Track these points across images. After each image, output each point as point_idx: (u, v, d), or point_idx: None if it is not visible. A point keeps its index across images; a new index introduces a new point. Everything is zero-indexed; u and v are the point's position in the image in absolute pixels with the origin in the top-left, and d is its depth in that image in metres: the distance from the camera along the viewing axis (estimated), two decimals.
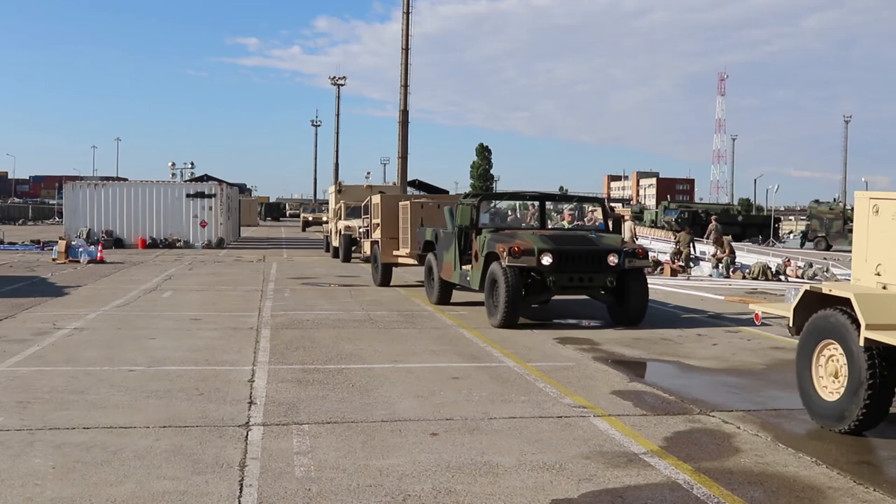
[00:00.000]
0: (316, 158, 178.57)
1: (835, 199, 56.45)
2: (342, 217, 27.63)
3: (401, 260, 18.32)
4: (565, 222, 15.37)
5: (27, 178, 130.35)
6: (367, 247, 20.99)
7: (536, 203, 16.33)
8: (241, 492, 5.21)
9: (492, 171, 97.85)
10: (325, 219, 51.80)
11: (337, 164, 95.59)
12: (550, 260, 12.05)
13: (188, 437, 6.38)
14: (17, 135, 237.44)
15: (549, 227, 15.06)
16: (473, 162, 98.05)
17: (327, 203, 72.87)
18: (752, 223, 54.94)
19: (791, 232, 58.38)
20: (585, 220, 16.71)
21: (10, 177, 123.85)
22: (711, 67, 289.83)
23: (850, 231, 41.95)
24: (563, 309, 14.78)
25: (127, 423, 6.75)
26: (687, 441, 6.51)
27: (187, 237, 34.33)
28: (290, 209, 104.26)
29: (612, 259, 12.30)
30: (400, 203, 18.49)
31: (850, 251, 36.30)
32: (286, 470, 5.63)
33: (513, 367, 9.39)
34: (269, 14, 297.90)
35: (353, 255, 26.22)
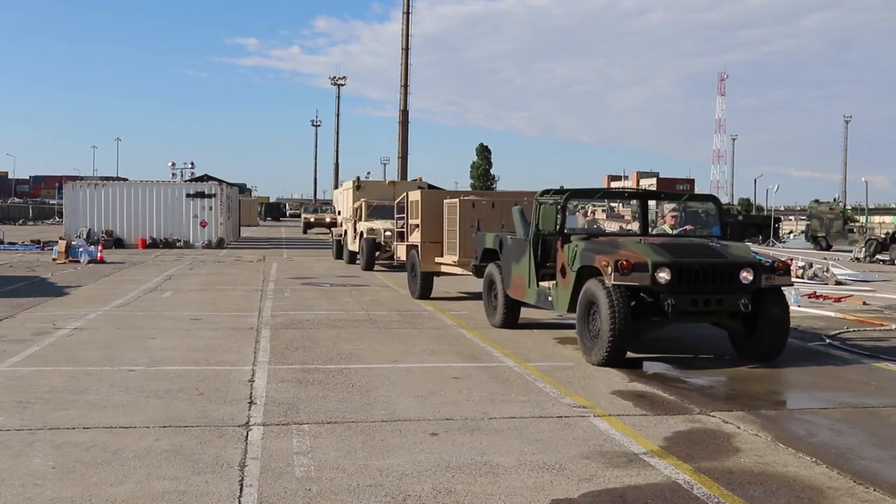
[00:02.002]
0: (316, 158, 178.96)
1: (835, 199, 56.44)
2: (363, 217, 24.20)
3: (444, 269, 15.60)
4: (667, 226, 11.95)
5: (27, 178, 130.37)
6: (400, 251, 17.71)
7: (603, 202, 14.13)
8: (241, 492, 5.21)
9: (492, 171, 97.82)
10: (328, 219, 50.69)
11: (337, 164, 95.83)
12: (668, 277, 9.16)
13: (188, 437, 6.38)
14: (17, 135, 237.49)
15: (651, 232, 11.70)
16: (473, 162, 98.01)
17: (329, 203, 73.01)
18: (753, 223, 54.88)
19: (791, 232, 58.35)
20: (667, 222, 12.68)
21: (10, 177, 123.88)
22: (711, 67, 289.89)
23: (851, 231, 42.03)
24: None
25: (127, 423, 6.75)
26: (687, 441, 6.51)
27: (187, 237, 34.34)
28: (291, 209, 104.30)
29: (746, 275, 9.41)
30: (446, 202, 15.47)
31: (850, 251, 36.28)
32: (286, 470, 5.63)
33: (513, 367, 9.39)
34: (268, 14, 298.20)
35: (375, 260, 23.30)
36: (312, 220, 56.78)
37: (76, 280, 19.33)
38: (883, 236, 34.42)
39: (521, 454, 6.05)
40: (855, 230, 41.96)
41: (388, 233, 22.19)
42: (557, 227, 10.51)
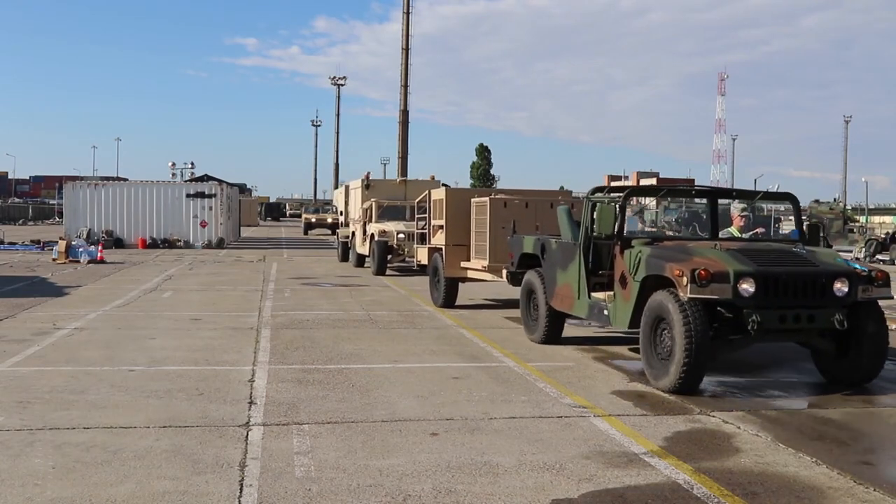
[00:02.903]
0: (316, 158, 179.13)
1: (835, 199, 56.52)
2: (373, 218, 22.82)
3: (471, 274, 14.29)
4: (734, 229, 10.34)
5: (27, 178, 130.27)
6: (421, 255, 16.43)
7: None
8: (241, 492, 5.21)
9: (492, 171, 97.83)
10: (330, 220, 49.67)
11: (337, 164, 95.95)
12: (753, 289, 7.85)
13: (188, 437, 6.38)
14: (17, 135, 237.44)
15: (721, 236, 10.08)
16: (473, 162, 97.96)
17: (330, 203, 72.81)
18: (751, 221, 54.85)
19: (791, 231, 58.32)
20: (734, 224, 10.66)
21: (10, 177, 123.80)
22: (710, 67, 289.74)
23: (851, 231, 42.05)
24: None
25: (127, 423, 6.75)
26: (687, 441, 6.51)
27: (187, 237, 34.35)
28: (291, 209, 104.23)
29: (841, 287, 8.11)
30: (473, 201, 14.12)
31: (850, 251, 36.24)
32: (286, 470, 5.63)
33: (513, 367, 9.39)
34: (267, 14, 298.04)
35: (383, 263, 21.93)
36: (313, 220, 54.30)
37: (76, 280, 19.33)
38: (883, 236, 34.43)
39: (521, 454, 6.05)
40: (855, 230, 41.99)
41: (401, 235, 21.27)
42: (617, 228, 9.10)
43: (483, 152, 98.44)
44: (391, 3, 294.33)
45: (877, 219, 69.42)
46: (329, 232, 48.89)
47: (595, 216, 9.19)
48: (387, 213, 22.76)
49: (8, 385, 8.15)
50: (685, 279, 7.84)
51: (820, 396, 8.26)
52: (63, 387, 8.08)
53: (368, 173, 24.95)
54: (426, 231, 15.84)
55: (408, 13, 46.93)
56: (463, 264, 14.31)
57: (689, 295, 7.81)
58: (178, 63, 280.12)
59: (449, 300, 14.74)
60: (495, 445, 6.27)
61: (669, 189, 10.11)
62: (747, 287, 7.85)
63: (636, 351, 10.45)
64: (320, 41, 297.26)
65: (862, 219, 56.19)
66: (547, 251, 10.82)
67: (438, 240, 15.05)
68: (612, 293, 9.25)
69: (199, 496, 5.12)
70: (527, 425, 6.86)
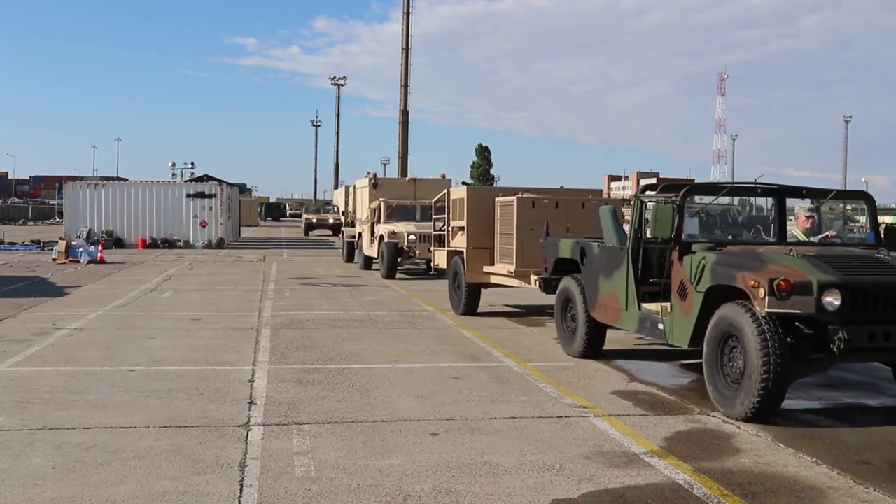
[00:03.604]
0: (316, 158, 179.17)
1: None
2: (382, 219, 21.92)
3: (495, 279, 13.28)
4: (798, 231, 9.14)
5: (27, 178, 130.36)
6: (439, 259, 15.29)
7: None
8: (241, 492, 5.21)
9: (492, 171, 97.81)
10: (331, 220, 48.36)
11: (337, 164, 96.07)
12: (839, 302, 6.83)
13: (188, 437, 6.38)
14: (17, 135, 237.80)
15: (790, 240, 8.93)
16: (473, 162, 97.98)
17: (330, 202, 72.61)
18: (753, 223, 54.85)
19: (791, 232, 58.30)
20: (799, 226, 9.29)
21: (10, 177, 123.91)
22: (709, 67, 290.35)
23: (851, 231, 42.03)
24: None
25: (127, 423, 6.75)
26: (687, 441, 6.51)
27: (187, 237, 34.35)
28: (291, 209, 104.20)
29: None
30: (498, 200, 13.03)
31: None
32: (286, 470, 5.63)
33: (513, 367, 9.39)
34: (267, 14, 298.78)
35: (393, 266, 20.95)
36: (314, 220, 52.08)
37: (76, 280, 19.33)
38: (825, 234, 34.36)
39: (522, 454, 6.05)
40: (855, 230, 41.96)
41: (412, 237, 20.41)
42: (674, 231, 8.03)
43: (483, 152, 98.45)
44: (391, 3, 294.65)
45: (878, 219, 69.32)
46: (330, 233, 48.08)
47: (649, 217, 8.19)
48: (396, 214, 21.93)
49: (8, 385, 8.14)
50: (762, 291, 6.83)
51: (820, 396, 8.26)
52: (63, 387, 8.07)
53: (375, 173, 24.14)
54: (444, 233, 14.74)
55: (408, 13, 46.93)
56: (486, 269, 13.26)
57: (766, 309, 6.79)
58: (178, 63, 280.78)
59: (470, 307, 13.74)
60: (495, 445, 6.27)
61: (733, 186, 8.98)
62: (832, 300, 6.81)
63: (636, 351, 10.48)
64: (320, 41, 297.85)
65: (862, 219, 56.11)
66: (588, 256, 9.75)
67: (459, 242, 13.94)
68: (667, 304, 8.21)
69: (199, 496, 5.12)
70: (527, 425, 6.86)
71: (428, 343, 11.02)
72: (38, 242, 32.94)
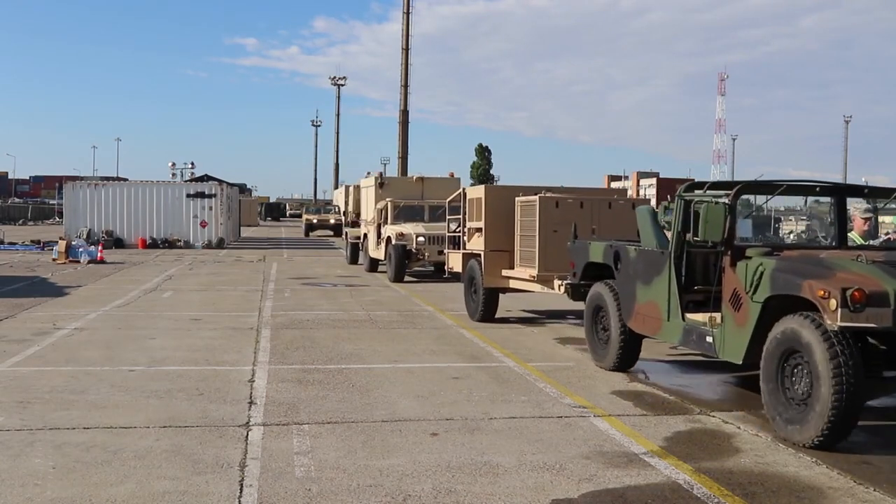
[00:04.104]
0: (316, 158, 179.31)
1: None
2: (389, 220, 21.12)
3: (514, 284, 12.58)
4: (855, 234, 8.67)
5: (27, 178, 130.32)
6: (454, 262, 14.52)
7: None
8: (241, 492, 5.21)
9: (492, 171, 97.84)
10: (332, 220, 47.59)
11: (337, 164, 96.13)
12: None
13: (188, 437, 6.38)
14: (17, 135, 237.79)
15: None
16: (473, 162, 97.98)
17: (330, 202, 72.48)
18: (753, 223, 54.85)
19: (791, 232, 58.40)
20: (856, 228, 8.87)
21: (10, 177, 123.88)
22: (710, 67, 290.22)
23: (851, 230, 42.04)
24: (563, 308, 14.70)
25: (127, 423, 6.75)
26: (687, 441, 6.51)
27: (187, 237, 34.37)
28: (291, 209, 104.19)
29: None
30: (518, 200, 12.29)
31: None
32: (286, 470, 5.63)
33: (513, 367, 9.39)
34: (267, 14, 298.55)
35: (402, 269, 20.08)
36: (315, 221, 50.38)
37: (76, 280, 19.33)
38: (884, 236, 34.44)
39: (522, 454, 6.05)
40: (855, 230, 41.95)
41: (420, 238, 19.69)
42: (727, 234, 7.26)
43: (483, 152, 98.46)
44: (390, 3, 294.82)
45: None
46: (331, 234, 47.35)
47: (703, 219, 7.26)
48: (403, 214, 21.16)
49: (8, 385, 8.14)
50: (833, 302, 6.06)
51: None
52: (63, 387, 8.07)
53: (381, 172, 23.49)
54: (460, 234, 13.99)
55: (408, 13, 46.94)
56: (505, 273, 12.53)
57: (839, 323, 6.02)
58: (178, 63, 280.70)
59: (488, 313, 13.00)
60: (495, 445, 6.27)
61: (789, 185, 8.11)
62: None
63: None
64: (320, 41, 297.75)
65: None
66: (623, 261, 8.96)
67: (476, 244, 13.15)
68: (714, 315, 7.46)
69: (199, 496, 5.12)
70: (527, 425, 6.86)
71: (428, 343, 11.02)
72: (38, 242, 32.95)
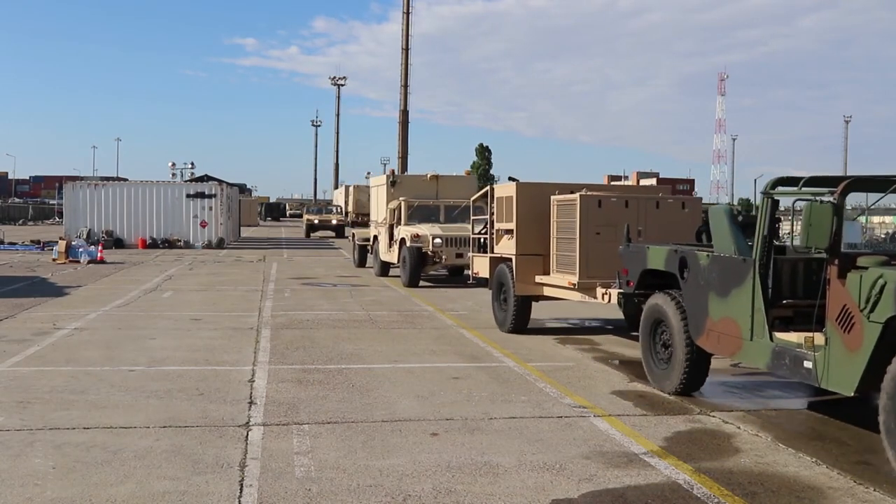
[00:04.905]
0: (316, 158, 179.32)
1: None
2: (402, 220, 19.93)
3: (549, 291, 11.48)
4: None
5: (27, 178, 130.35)
6: (479, 267, 13.37)
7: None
8: (241, 492, 5.21)
9: (492, 172, 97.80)
10: (335, 221, 46.75)
11: (337, 164, 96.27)
12: None
13: (188, 437, 6.38)
14: (17, 135, 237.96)
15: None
16: (473, 162, 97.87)
17: (330, 202, 72.28)
18: (752, 223, 54.76)
19: (790, 232, 58.35)
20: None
21: (10, 177, 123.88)
22: (709, 68, 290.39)
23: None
24: (563, 309, 14.69)
25: (127, 423, 6.75)
26: (687, 441, 6.51)
27: (187, 237, 34.36)
28: (291, 209, 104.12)
29: None
30: (555, 199, 11.19)
31: None
32: (286, 470, 5.63)
33: (513, 367, 9.39)
34: (266, 14, 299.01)
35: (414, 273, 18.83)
36: (316, 221, 48.13)
37: (76, 280, 19.33)
38: (883, 236, 34.43)
39: (522, 454, 6.05)
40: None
41: (437, 240, 18.60)
42: (833, 240, 6.10)
43: (483, 152, 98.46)
44: (390, 3, 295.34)
45: (877, 219, 69.49)
46: (333, 235, 46.24)
47: (811, 221, 6.07)
48: (417, 214, 20.01)
49: (8, 385, 8.14)
50: None
51: (820, 396, 8.26)
52: (63, 387, 8.07)
53: (393, 169, 22.19)
54: (485, 236, 12.97)
55: (408, 13, 46.93)
56: (539, 279, 11.49)
57: None
58: (178, 63, 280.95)
59: (520, 323, 11.90)
60: (495, 445, 6.27)
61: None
62: None
63: (636, 351, 10.43)
64: (319, 41, 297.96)
65: (862, 219, 56.12)
66: (691, 268, 7.77)
67: (505, 248, 12.06)
68: (812, 335, 6.37)
69: (199, 496, 5.12)
70: (527, 425, 6.86)
71: (428, 343, 11.02)
72: (39, 242, 32.94)
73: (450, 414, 7.20)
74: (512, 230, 11.74)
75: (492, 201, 12.59)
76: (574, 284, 10.60)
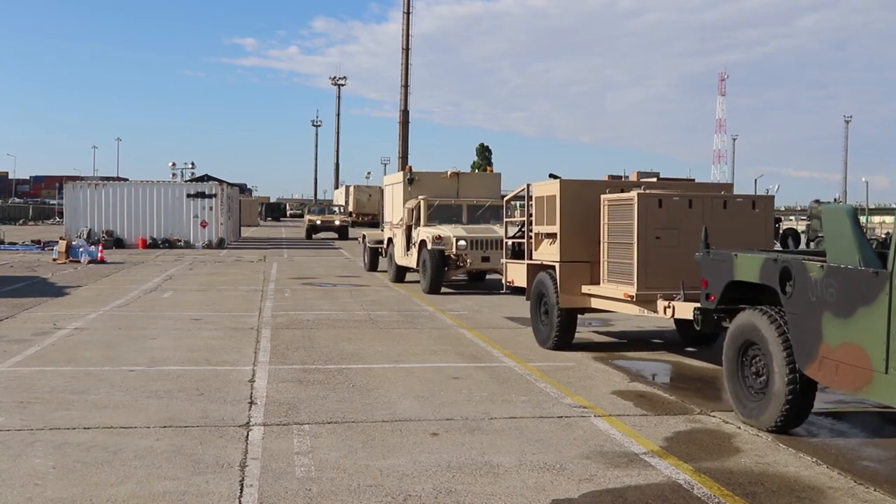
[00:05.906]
0: (316, 158, 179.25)
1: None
2: (422, 221, 18.50)
3: (598, 303, 10.18)
4: None
5: (27, 178, 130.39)
6: (515, 274, 11.93)
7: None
8: (241, 492, 5.21)
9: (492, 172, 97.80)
10: (337, 222, 45.39)
11: (337, 164, 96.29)
12: None
13: (188, 437, 6.38)
14: (17, 135, 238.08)
15: None
16: (474, 162, 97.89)
17: (332, 203, 72.03)
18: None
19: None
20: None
21: (10, 177, 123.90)
22: (708, 68, 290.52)
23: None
24: None
25: (127, 423, 6.75)
26: (687, 441, 6.51)
27: (188, 237, 34.38)
28: (291, 209, 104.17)
29: None
30: (606, 198, 9.97)
31: None
32: (287, 470, 5.63)
33: (513, 367, 9.39)
34: (266, 14, 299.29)
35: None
36: (319, 222, 45.83)
37: (76, 280, 19.33)
38: (883, 236, 34.44)
39: (522, 454, 6.05)
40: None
41: (461, 242, 17.20)
42: None
43: (483, 152, 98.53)
44: (389, 3, 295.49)
45: (877, 219, 69.43)
46: (336, 236, 44.97)
47: None
48: (436, 214, 18.62)
49: (8, 385, 8.14)
50: None
51: (820, 396, 8.26)
52: (63, 387, 8.07)
53: (410, 166, 20.60)
54: (521, 240, 11.60)
55: (408, 13, 46.95)
56: (587, 289, 10.19)
57: None
58: (178, 63, 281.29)
59: (564, 338, 10.52)
60: (496, 445, 6.27)
61: None
62: None
63: (636, 351, 10.46)
64: (319, 41, 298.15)
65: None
66: (797, 281, 6.45)
67: (546, 254, 10.68)
68: None
69: (199, 496, 5.12)
70: (527, 425, 6.86)
71: (428, 343, 11.01)
72: (39, 242, 32.95)
73: (450, 414, 7.20)
74: (555, 234, 10.38)
75: (530, 201, 11.21)
76: (631, 296, 9.31)
